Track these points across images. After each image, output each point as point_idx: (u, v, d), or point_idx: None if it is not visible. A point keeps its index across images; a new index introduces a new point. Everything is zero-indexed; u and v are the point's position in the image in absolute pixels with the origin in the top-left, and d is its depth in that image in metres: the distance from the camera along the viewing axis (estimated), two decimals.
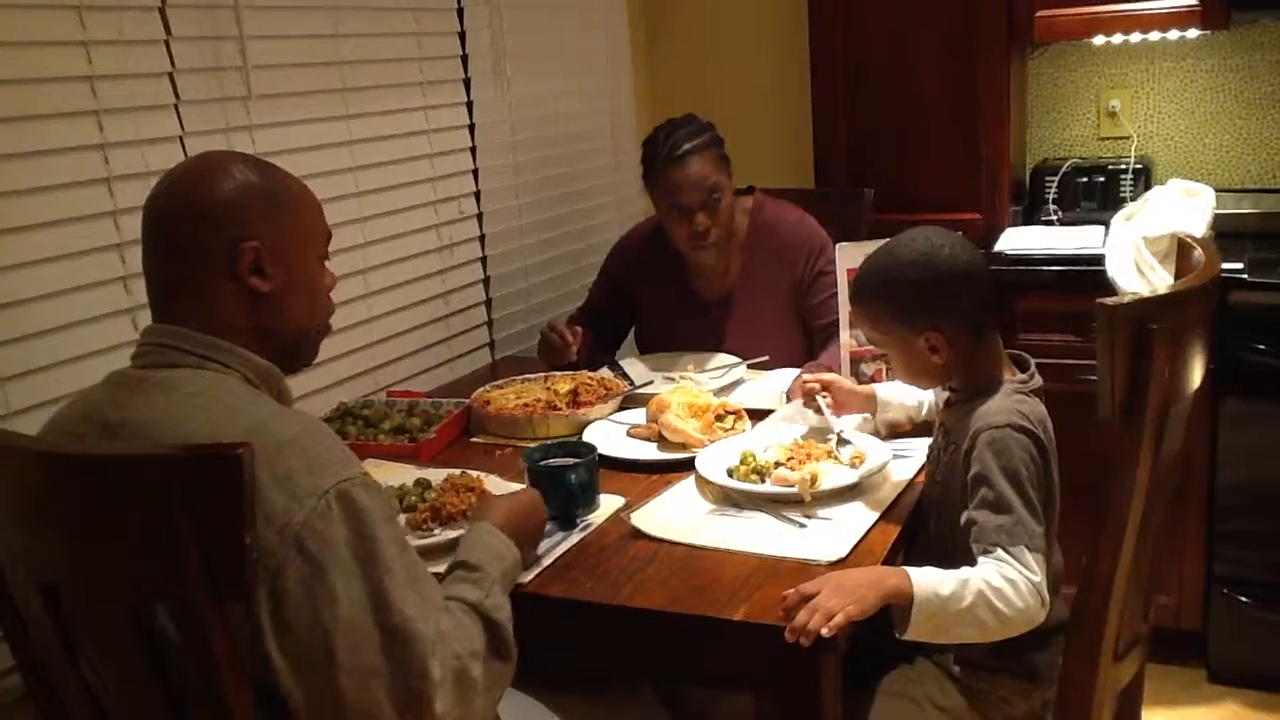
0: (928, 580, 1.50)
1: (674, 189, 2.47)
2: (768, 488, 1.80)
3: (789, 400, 2.21)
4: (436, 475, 1.90)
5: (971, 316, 1.68)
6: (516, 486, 1.78)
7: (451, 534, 1.65)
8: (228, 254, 1.33)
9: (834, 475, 1.81)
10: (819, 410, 2.03)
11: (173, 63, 2.01)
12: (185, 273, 1.33)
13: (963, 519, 1.59)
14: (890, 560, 1.63)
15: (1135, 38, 3.10)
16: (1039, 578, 1.52)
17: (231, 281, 1.33)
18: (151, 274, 1.37)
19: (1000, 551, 1.53)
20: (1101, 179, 3.12)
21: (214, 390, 1.28)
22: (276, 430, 1.21)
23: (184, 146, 2.04)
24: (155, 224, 1.36)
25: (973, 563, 1.54)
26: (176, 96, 2.03)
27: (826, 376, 2.06)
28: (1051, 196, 3.16)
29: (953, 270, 1.65)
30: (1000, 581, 1.50)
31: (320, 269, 1.45)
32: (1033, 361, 1.75)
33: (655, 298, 2.72)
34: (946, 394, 1.79)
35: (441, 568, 1.46)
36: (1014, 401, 1.65)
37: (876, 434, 2.02)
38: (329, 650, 1.18)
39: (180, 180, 1.37)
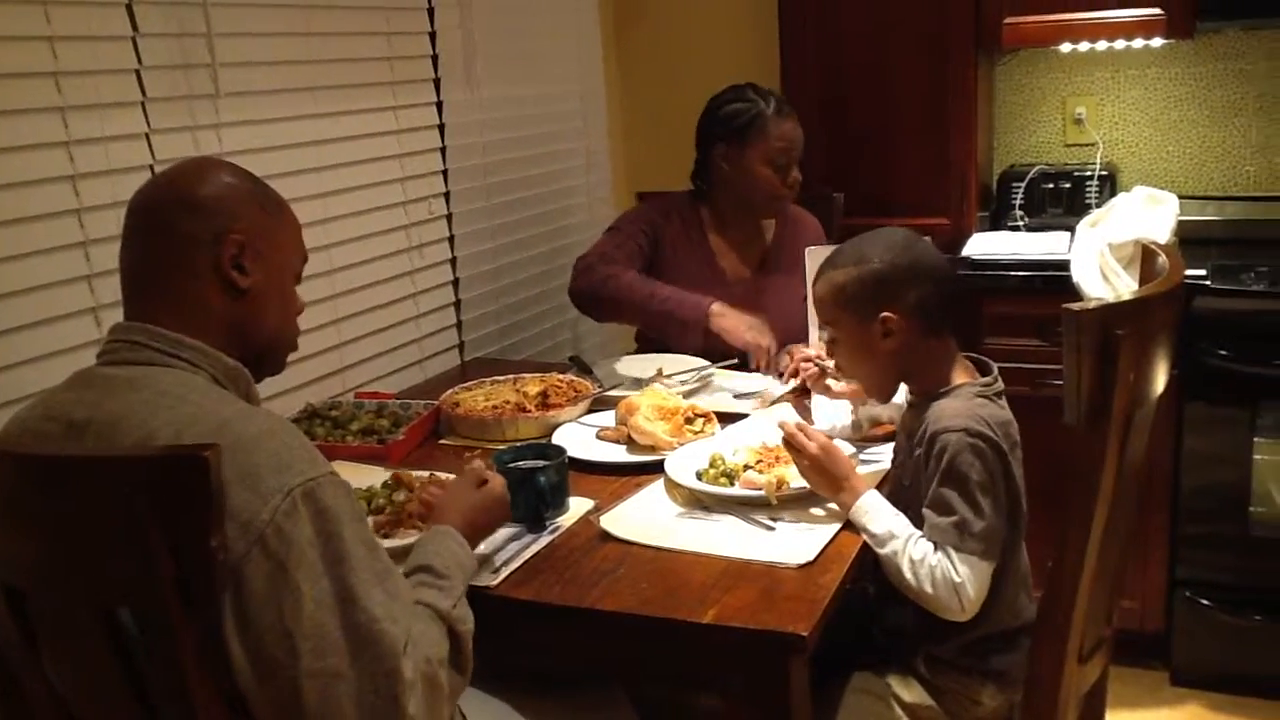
0: (869, 511, 1.67)
1: (783, 137, 2.60)
2: (736, 491, 1.80)
3: (785, 381, 2.33)
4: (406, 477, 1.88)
5: (926, 308, 1.71)
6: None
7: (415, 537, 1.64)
8: (213, 243, 1.34)
9: (801, 479, 1.82)
10: (827, 389, 2.08)
11: (140, 60, 1.99)
12: (167, 260, 1.34)
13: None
14: (857, 564, 1.64)
15: (1101, 45, 3.13)
16: (959, 580, 1.59)
17: (213, 272, 1.34)
18: (129, 264, 1.37)
19: (934, 548, 1.62)
20: (1067, 185, 3.15)
21: (181, 389, 1.27)
22: (242, 428, 1.20)
23: (150, 144, 2.02)
24: (142, 213, 1.36)
25: None
26: (143, 94, 2.01)
27: (815, 355, 2.16)
28: (1018, 202, 3.18)
29: (918, 259, 1.72)
30: (921, 556, 1.61)
31: (294, 287, 1.47)
32: (995, 366, 1.77)
33: (680, 266, 2.70)
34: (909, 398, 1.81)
35: None
36: (974, 405, 1.67)
37: (858, 426, 2.03)
38: (292, 651, 1.16)
39: (171, 176, 1.39)
